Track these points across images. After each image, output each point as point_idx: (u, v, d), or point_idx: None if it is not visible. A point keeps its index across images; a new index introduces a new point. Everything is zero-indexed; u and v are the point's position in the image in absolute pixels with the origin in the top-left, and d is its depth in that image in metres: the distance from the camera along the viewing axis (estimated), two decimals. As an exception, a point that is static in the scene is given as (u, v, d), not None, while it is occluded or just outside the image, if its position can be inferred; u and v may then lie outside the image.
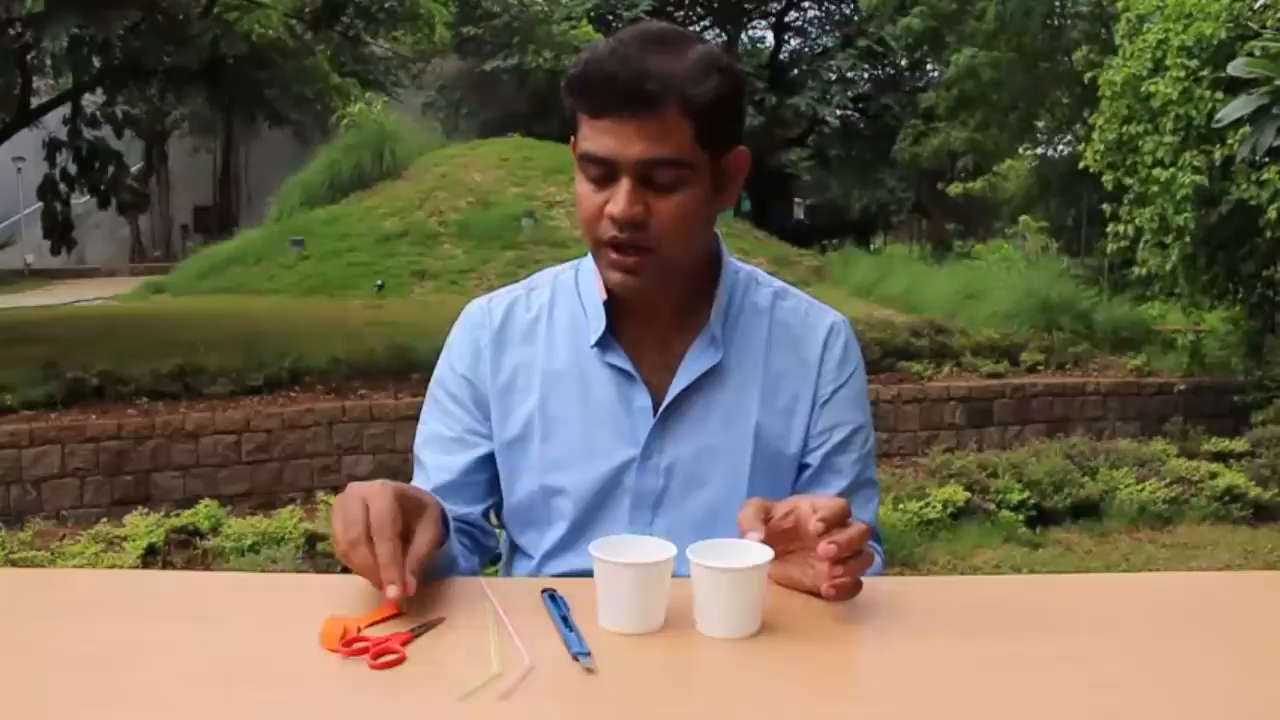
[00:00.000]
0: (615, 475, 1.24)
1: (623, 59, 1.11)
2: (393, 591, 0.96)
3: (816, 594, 1.03)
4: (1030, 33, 13.30)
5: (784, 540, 1.05)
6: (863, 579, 1.14)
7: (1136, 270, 8.04)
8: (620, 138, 1.12)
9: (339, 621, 0.96)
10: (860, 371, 1.33)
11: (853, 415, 1.30)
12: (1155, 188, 7.36)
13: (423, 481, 1.29)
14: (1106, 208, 8.12)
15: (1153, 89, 7.31)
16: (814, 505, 1.03)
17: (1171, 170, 7.21)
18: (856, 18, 21.49)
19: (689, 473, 1.24)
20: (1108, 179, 8.04)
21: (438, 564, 1.10)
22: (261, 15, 7.53)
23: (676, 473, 1.24)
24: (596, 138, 1.14)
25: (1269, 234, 6.88)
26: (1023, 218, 11.96)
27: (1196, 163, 7.06)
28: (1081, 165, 8.47)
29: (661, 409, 1.24)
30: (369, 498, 1.01)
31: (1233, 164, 6.85)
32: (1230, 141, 6.69)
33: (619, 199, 1.14)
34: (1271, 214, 6.52)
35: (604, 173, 1.15)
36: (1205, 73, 7.02)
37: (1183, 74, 7.10)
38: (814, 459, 1.28)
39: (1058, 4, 13.42)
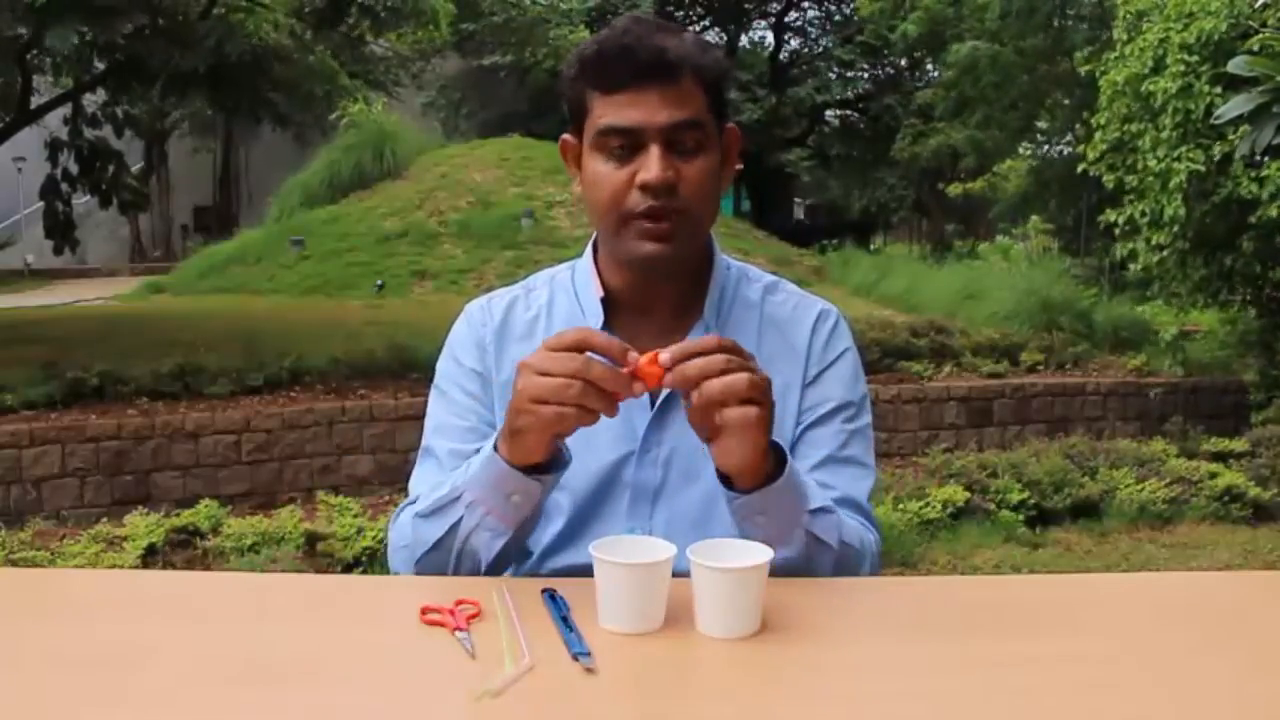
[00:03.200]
0: (614, 470, 1.25)
1: (636, 35, 1.18)
2: (633, 355, 1.04)
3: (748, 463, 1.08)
4: (1032, 33, 13.30)
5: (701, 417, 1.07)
6: (861, 577, 1.15)
7: (1134, 268, 8.03)
8: (644, 107, 1.16)
9: None
10: (850, 354, 1.33)
11: (837, 392, 1.30)
12: (1150, 179, 7.37)
13: (435, 469, 1.28)
14: (1109, 212, 8.13)
15: (1153, 87, 7.31)
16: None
17: (1167, 161, 7.21)
18: (856, 18, 21.51)
19: (686, 465, 1.25)
20: (1108, 180, 8.05)
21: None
22: (265, 15, 7.53)
23: (675, 464, 1.25)
24: (618, 111, 1.17)
25: (1267, 232, 6.87)
26: (1034, 218, 11.95)
27: (1193, 156, 7.07)
28: (1081, 169, 8.47)
29: (659, 402, 1.25)
30: (532, 365, 1.07)
31: (1231, 161, 6.85)
32: (1231, 138, 6.68)
33: (652, 165, 1.17)
34: (1273, 211, 6.51)
35: (628, 144, 1.18)
36: (1205, 69, 7.02)
37: (1183, 69, 7.10)
38: (796, 434, 1.28)
39: (1058, 3, 13.42)
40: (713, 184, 1.22)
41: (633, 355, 1.04)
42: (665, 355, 1.04)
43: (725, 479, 1.12)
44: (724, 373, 1.04)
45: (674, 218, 1.18)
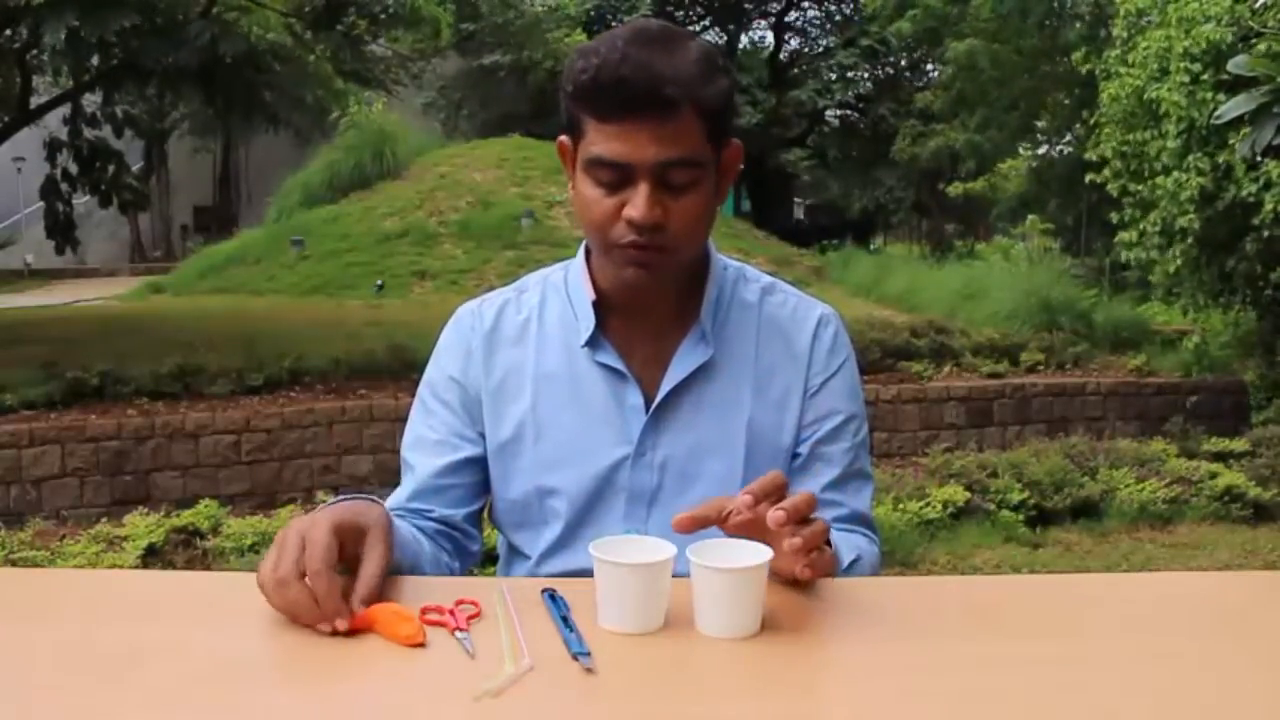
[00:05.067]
0: (609, 474, 1.25)
1: (636, 63, 1.10)
2: (341, 625, 0.94)
3: (793, 581, 1.05)
4: (1028, 34, 13.30)
5: (754, 531, 1.04)
6: (861, 576, 1.16)
7: (1138, 272, 8.04)
8: (636, 142, 1.12)
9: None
10: (851, 362, 1.33)
11: (843, 404, 1.30)
12: (1160, 192, 7.37)
13: (411, 483, 1.29)
14: (1115, 216, 8.13)
15: (1156, 94, 7.31)
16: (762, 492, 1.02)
17: (1176, 174, 7.21)
18: (856, 18, 21.52)
19: (682, 468, 1.24)
20: (1113, 187, 8.06)
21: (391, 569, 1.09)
22: (260, 16, 7.52)
23: (670, 468, 1.25)
24: (608, 142, 1.13)
25: (1266, 233, 6.86)
26: (1030, 217, 11.96)
27: (1201, 165, 7.07)
28: (1089, 178, 8.48)
29: (654, 406, 1.25)
30: (305, 531, 0.98)
31: (1232, 165, 6.85)
32: (1232, 142, 6.68)
33: (639, 202, 1.13)
34: (1269, 204, 6.50)
35: (618, 177, 1.14)
36: (1207, 76, 7.02)
37: (1186, 79, 7.10)
38: (804, 448, 1.28)
39: (1055, 4, 13.41)
40: (703, 217, 1.19)
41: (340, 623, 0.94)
42: (781, 513, 0.99)
43: None
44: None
45: (659, 252, 1.16)
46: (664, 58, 1.12)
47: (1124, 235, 7.96)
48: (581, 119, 1.16)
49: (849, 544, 1.22)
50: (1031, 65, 13.71)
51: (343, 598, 0.95)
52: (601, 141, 1.14)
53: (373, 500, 1.10)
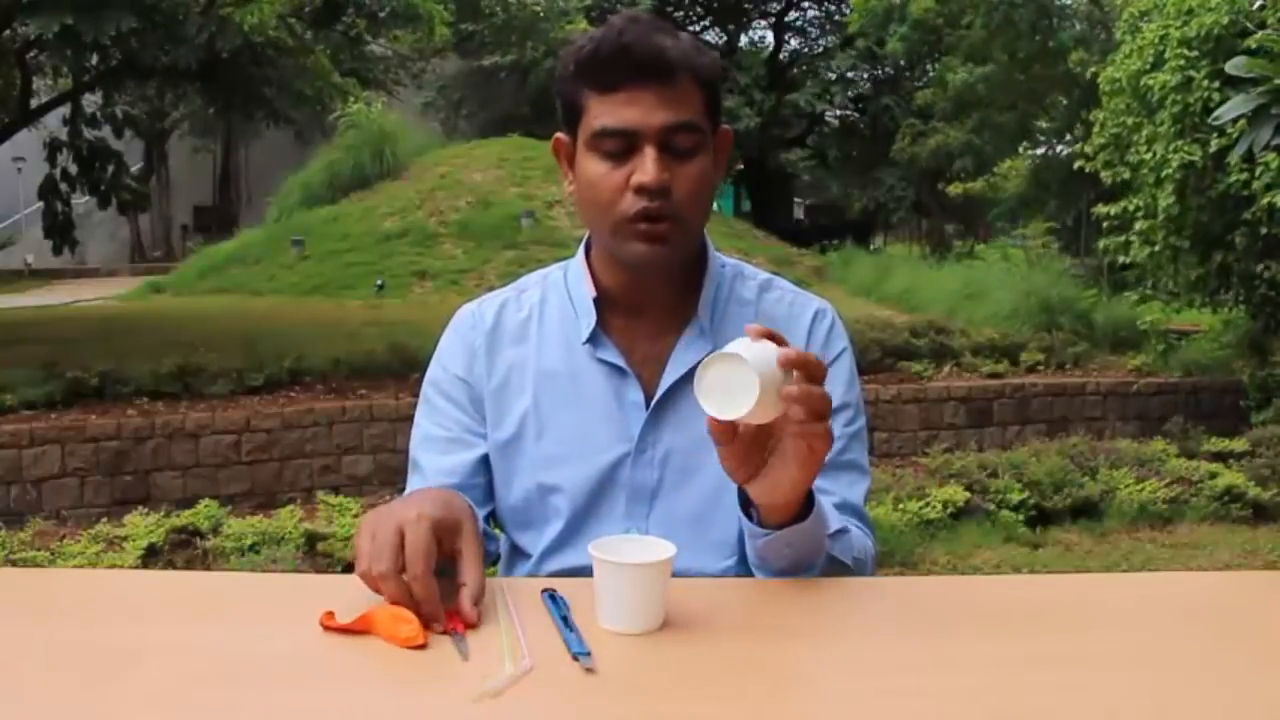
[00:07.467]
0: (610, 470, 1.25)
1: (635, 35, 1.16)
2: (436, 628, 0.96)
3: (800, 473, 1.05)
4: (1020, 38, 13.30)
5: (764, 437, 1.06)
6: (858, 575, 1.15)
7: (1124, 260, 8.05)
8: (641, 107, 1.16)
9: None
10: (847, 355, 1.33)
11: (835, 394, 1.27)
12: (1145, 171, 7.37)
13: (420, 484, 1.28)
14: (1103, 206, 8.14)
15: (1151, 81, 7.31)
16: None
17: (1161, 154, 7.21)
18: (851, 25, 21.52)
19: (683, 464, 1.24)
20: (1106, 176, 8.05)
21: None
22: (255, 7, 7.50)
23: (671, 464, 1.25)
24: (614, 111, 1.16)
25: (1264, 230, 6.85)
26: (1033, 221, 11.98)
27: (1189, 149, 7.06)
28: (1077, 165, 8.47)
29: (654, 402, 1.25)
30: (405, 527, 0.99)
31: (1225, 155, 6.83)
32: (1229, 131, 6.66)
33: (648, 166, 1.16)
34: (1265, 201, 6.48)
35: (623, 146, 1.17)
36: (1204, 64, 7.01)
37: (1182, 63, 7.09)
38: None
39: (1055, 4, 13.41)
40: (706, 187, 1.21)
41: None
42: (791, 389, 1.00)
43: (748, 514, 1.12)
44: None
45: (668, 221, 1.18)
46: (660, 33, 1.17)
47: (1104, 209, 7.96)
48: (583, 97, 1.19)
49: (837, 516, 1.19)
50: (1027, 65, 13.71)
51: (440, 599, 0.97)
52: (606, 113, 1.17)
53: (452, 490, 1.12)
